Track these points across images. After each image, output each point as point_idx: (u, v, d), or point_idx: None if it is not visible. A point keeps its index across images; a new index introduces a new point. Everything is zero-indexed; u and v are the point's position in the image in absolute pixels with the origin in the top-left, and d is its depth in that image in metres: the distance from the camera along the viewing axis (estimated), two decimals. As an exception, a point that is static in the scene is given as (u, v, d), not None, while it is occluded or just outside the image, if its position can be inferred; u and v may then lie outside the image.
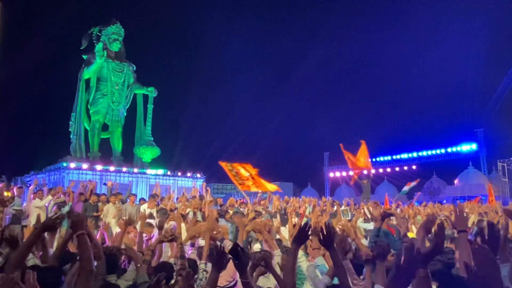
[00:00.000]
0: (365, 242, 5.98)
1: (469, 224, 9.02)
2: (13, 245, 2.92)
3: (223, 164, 13.33)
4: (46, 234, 4.40)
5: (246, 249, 4.19)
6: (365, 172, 18.59)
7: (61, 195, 11.16)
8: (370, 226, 8.06)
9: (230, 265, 3.68)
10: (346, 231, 4.57)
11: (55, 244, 5.07)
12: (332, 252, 2.71)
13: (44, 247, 3.88)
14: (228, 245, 4.66)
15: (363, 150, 17.61)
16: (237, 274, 3.90)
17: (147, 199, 12.27)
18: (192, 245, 5.07)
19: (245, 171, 13.26)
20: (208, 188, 16.34)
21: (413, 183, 16.46)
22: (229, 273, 4.03)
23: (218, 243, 5.34)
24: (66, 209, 9.52)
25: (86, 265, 2.46)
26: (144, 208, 10.87)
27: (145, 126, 23.75)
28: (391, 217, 7.25)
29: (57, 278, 2.69)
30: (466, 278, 2.22)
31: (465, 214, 2.74)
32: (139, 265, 3.45)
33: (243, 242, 5.59)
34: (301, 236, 2.65)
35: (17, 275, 1.49)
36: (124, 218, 9.14)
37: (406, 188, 16.41)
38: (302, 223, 2.79)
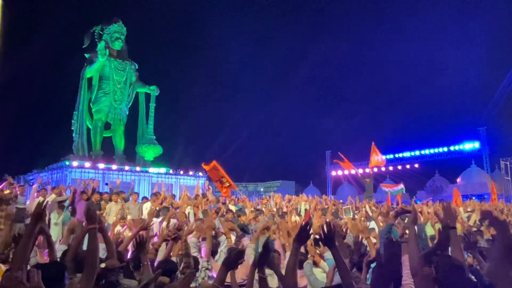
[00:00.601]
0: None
1: (471, 222, 9.02)
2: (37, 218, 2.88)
3: (212, 164, 13.29)
4: (66, 232, 4.39)
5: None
6: (367, 170, 18.62)
7: (63, 193, 11.20)
8: (371, 225, 8.07)
9: (246, 263, 3.74)
10: (353, 230, 4.56)
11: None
12: (334, 251, 2.72)
13: (50, 245, 3.88)
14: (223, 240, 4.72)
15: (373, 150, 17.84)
16: None
17: (150, 198, 12.33)
18: (204, 239, 5.11)
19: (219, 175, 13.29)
20: (210, 186, 16.40)
21: (396, 188, 16.10)
22: (244, 271, 4.07)
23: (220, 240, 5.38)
24: (66, 216, 9.60)
25: (91, 260, 2.45)
26: (147, 206, 10.92)
27: (147, 124, 23.80)
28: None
29: (60, 274, 2.70)
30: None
31: (453, 211, 2.78)
32: (145, 263, 3.46)
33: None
34: (302, 236, 2.66)
35: (21, 273, 1.50)
36: (127, 216, 9.24)
37: (386, 189, 16.13)
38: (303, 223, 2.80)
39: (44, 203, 2.80)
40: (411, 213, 5.61)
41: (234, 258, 2.63)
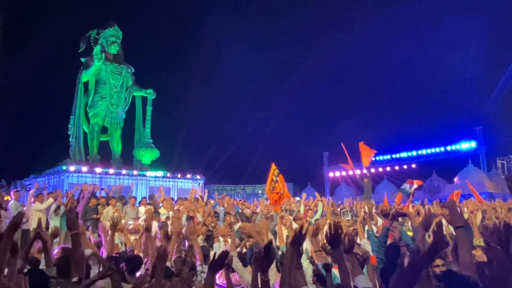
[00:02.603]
0: (364, 242, 6.00)
1: (478, 222, 9.02)
2: (12, 250, 2.89)
3: (273, 167, 12.56)
4: (48, 237, 4.39)
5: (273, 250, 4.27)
6: (365, 171, 18.55)
7: (59, 198, 11.15)
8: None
9: (248, 267, 3.75)
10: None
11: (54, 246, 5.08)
12: (337, 252, 2.72)
13: (46, 250, 3.87)
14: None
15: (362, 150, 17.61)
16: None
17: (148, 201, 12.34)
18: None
19: (281, 187, 12.42)
20: (206, 189, 16.39)
21: (415, 185, 15.64)
22: (237, 278, 4.07)
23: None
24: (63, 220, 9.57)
25: (78, 265, 2.44)
26: (142, 210, 10.92)
27: (144, 128, 23.77)
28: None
29: (46, 280, 2.69)
30: (476, 278, 2.21)
31: (459, 210, 2.75)
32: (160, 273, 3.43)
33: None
34: (297, 239, 2.65)
35: (8, 280, 1.48)
36: (122, 220, 9.19)
37: (407, 187, 15.73)
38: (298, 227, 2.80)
39: (22, 213, 2.81)
40: (406, 215, 5.59)
41: (218, 260, 2.61)
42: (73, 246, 2.52)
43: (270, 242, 2.92)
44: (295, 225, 8.86)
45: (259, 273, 2.73)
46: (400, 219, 6.84)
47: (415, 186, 15.27)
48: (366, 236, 6.35)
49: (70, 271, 2.52)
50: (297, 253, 2.73)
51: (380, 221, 8.27)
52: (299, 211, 11.66)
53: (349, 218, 10.49)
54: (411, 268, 1.99)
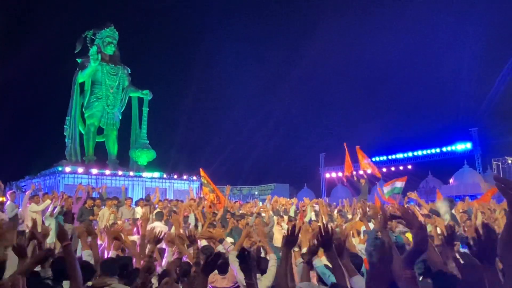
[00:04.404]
0: (361, 246, 6.01)
1: (478, 221, 9.08)
2: (21, 253, 2.89)
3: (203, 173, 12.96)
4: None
5: (252, 253, 4.25)
6: (361, 172, 18.65)
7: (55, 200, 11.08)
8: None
9: (231, 269, 3.75)
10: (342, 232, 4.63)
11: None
12: (330, 253, 2.73)
13: (41, 251, 3.85)
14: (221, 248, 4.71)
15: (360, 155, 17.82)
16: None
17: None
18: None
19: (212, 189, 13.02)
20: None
21: (398, 184, 15.40)
22: (233, 275, 4.07)
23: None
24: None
25: (73, 274, 2.48)
26: (138, 211, 10.89)
27: (141, 129, 23.73)
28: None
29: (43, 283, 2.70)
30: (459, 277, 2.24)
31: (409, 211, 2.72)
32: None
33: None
34: (291, 240, 2.66)
35: (7, 282, 1.48)
36: (119, 222, 9.18)
37: (388, 188, 15.56)
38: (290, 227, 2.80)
39: (36, 224, 2.81)
40: (401, 219, 5.59)
41: (211, 262, 2.61)
42: (66, 258, 2.53)
43: (243, 248, 2.91)
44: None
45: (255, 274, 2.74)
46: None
47: (398, 184, 15.16)
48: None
49: (63, 276, 2.54)
50: (290, 254, 2.74)
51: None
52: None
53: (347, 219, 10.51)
54: (380, 264, 2.00)
